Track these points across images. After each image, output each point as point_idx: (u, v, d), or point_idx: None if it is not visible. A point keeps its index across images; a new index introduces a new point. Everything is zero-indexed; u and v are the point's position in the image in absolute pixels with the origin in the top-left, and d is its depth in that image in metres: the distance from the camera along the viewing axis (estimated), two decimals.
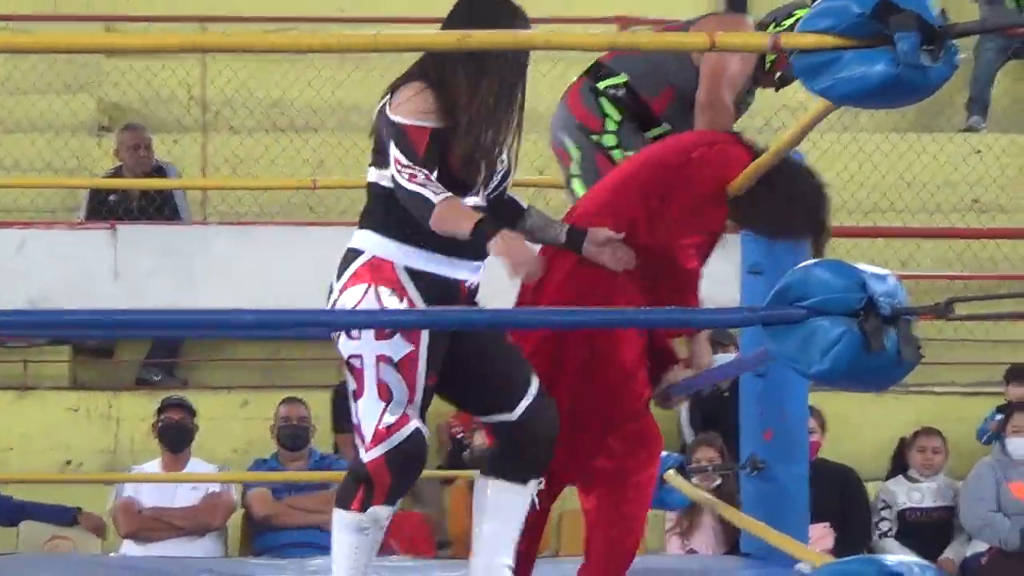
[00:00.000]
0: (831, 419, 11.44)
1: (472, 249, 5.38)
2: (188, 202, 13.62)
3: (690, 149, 5.91)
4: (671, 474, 7.72)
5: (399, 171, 5.31)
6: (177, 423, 11.09)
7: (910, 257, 13.50)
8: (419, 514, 11.52)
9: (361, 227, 5.51)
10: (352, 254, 5.47)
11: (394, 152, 5.32)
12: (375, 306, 5.33)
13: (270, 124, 14.41)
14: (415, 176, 5.30)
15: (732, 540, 9.56)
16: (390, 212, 5.41)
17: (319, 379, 12.66)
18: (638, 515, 5.94)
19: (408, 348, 5.34)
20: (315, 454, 11.49)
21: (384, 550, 10.30)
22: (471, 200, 5.38)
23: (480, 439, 10.57)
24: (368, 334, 5.35)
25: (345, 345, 5.41)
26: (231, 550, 11.14)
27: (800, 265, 4.41)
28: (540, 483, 5.65)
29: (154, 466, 11.13)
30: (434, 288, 5.40)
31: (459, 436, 12.10)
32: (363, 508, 5.41)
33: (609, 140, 6.74)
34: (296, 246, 12.34)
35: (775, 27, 6.70)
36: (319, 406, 12.01)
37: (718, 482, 9.57)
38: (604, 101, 6.77)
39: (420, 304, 5.37)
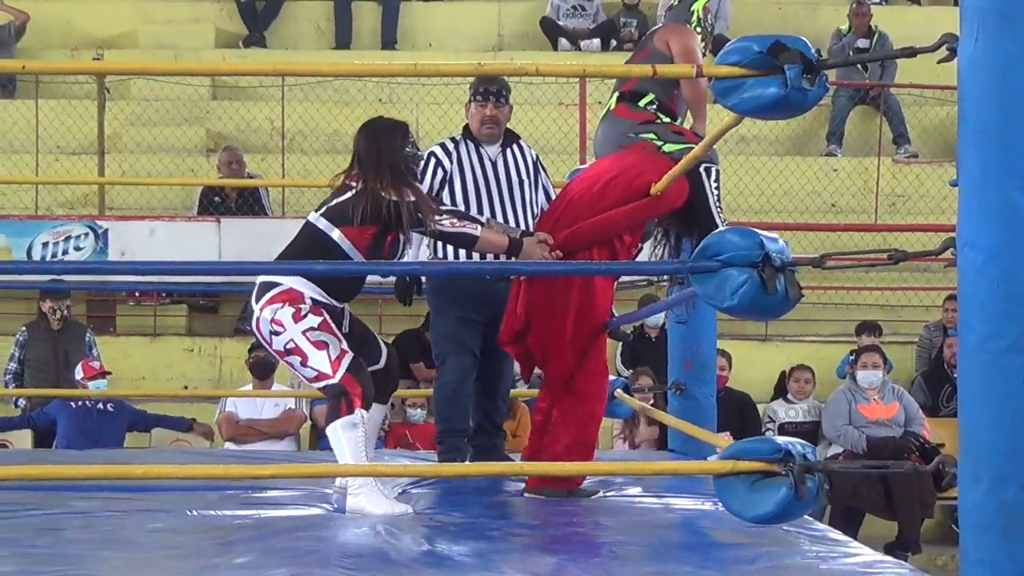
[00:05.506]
0: (735, 360, 11.47)
1: None
2: (271, 202, 13.60)
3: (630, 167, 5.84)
4: (619, 392, 7.75)
5: None
6: (263, 359, 10.92)
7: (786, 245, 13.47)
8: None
9: None
10: None
11: None
12: None
13: (330, 147, 14.38)
14: None
15: (661, 444, 9.57)
16: None
17: None
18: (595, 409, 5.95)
19: None
20: None
21: (412, 448, 10.42)
22: None
23: None
24: None
25: None
26: (302, 451, 11.12)
27: (717, 231, 4.42)
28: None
29: (247, 390, 11.10)
30: None
31: None
32: None
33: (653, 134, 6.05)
34: None
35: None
36: None
37: (652, 401, 9.58)
38: (651, 111, 6.07)
39: None
